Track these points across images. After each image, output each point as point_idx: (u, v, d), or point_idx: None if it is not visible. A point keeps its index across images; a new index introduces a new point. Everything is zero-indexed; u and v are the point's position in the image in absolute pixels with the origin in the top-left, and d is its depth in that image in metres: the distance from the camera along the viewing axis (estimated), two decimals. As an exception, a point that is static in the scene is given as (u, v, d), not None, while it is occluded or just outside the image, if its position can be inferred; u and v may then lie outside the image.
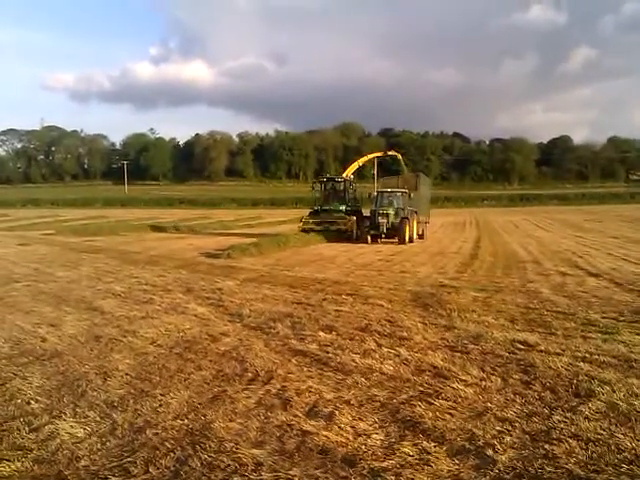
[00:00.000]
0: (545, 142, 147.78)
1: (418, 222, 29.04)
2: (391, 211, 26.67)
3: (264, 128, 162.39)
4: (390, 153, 42.61)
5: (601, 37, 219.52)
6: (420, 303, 10.48)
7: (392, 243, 26.11)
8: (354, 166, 36.27)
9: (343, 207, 30.16)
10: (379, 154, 44.33)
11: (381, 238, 27.11)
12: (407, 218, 26.66)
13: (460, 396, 5.52)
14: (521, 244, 24.48)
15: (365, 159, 39.11)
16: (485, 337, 7.80)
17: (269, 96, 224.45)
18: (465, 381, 5.96)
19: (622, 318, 8.94)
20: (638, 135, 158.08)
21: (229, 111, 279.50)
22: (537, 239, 27.74)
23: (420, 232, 29.68)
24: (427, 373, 6.31)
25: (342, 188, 31.27)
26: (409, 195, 27.73)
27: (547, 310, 9.64)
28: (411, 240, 26.77)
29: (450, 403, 5.35)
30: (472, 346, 7.37)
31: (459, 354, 7.04)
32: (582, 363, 6.48)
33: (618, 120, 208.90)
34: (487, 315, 9.28)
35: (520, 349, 7.17)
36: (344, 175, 33.87)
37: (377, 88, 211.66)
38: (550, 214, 59.04)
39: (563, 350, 7.06)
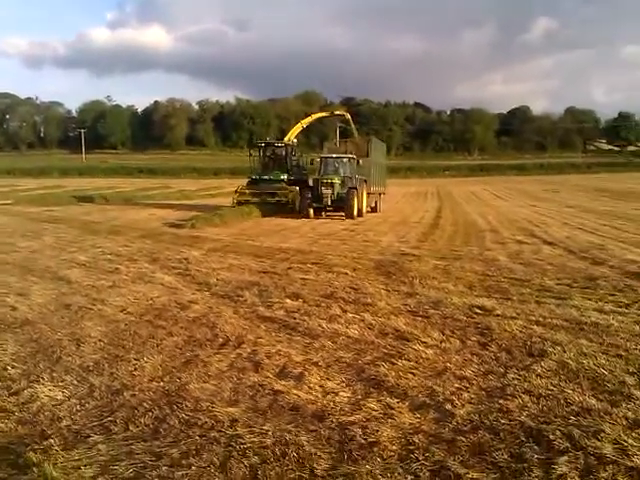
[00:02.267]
0: (505, 112, 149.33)
1: (370, 193, 26.88)
2: (337, 180, 23.88)
3: (225, 96, 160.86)
4: (337, 113, 40.14)
5: (561, 8, 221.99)
6: (383, 271, 10.81)
7: (338, 217, 24.09)
8: (297, 128, 33.38)
9: (284, 176, 27.34)
10: (325, 114, 40.64)
11: (326, 211, 24.72)
12: (355, 188, 24.01)
13: (421, 357, 5.85)
14: (480, 214, 25.09)
15: (309, 119, 35.57)
16: (445, 303, 8.15)
17: (229, 62, 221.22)
18: (426, 343, 6.29)
19: (575, 284, 9.39)
20: (595, 106, 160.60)
21: (188, 77, 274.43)
22: (496, 209, 28.47)
23: (373, 204, 27.92)
24: (390, 336, 6.63)
25: (283, 154, 28.38)
26: (357, 162, 24.97)
27: (504, 277, 10.06)
28: (360, 214, 24.34)
29: (412, 363, 5.67)
30: (432, 311, 7.72)
31: (420, 318, 7.38)
32: (536, 326, 6.88)
33: (577, 91, 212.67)
34: (447, 282, 9.64)
35: (478, 314, 7.55)
36: (285, 139, 31.01)
37: (338, 56, 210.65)
38: (509, 184, 60.29)
39: (518, 314, 7.45)
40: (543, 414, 4.46)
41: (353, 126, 38.00)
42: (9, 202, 35.20)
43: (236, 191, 27.48)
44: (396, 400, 4.79)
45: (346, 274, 10.52)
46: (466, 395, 4.87)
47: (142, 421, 4.52)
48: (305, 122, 34.46)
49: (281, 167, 27.79)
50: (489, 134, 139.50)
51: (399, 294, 8.85)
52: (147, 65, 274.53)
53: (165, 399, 4.93)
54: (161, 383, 5.29)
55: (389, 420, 4.43)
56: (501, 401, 4.72)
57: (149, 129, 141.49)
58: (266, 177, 27.48)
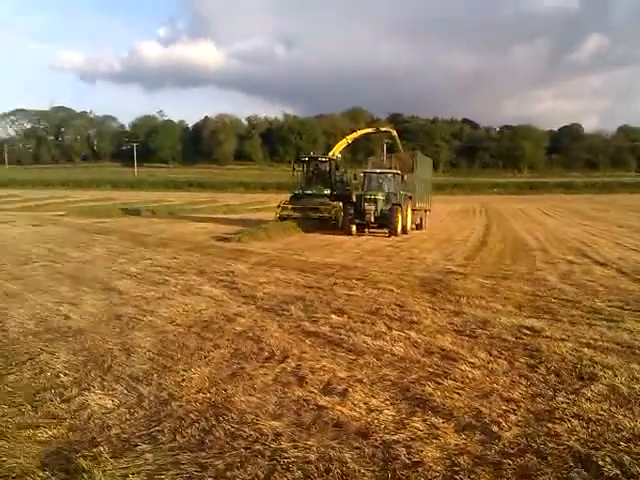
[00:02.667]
0: (555, 130, 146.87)
1: (415, 210, 25.99)
2: (380, 196, 23.01)
3: (274, 112, 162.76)
4: (383, 129, 37.98)
5: (613, 25, 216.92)
6: (429, 289, 10.72)
7: (382, 235, 23.07)
8: (342, 143, 32.20)
9: (328, 191, 26.50)
10: (370, 130, 38.03)
11: (369, 228, 23.83)
12: (399, 205, 23.16)
13: (468, 377, 5.78)
14: (529, 232, 24.66)
15: (355, 135, 34.22)
16: (492, 322, 8.04)
17: (279, 79, 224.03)
18: (473, 363, 6.22)
19: (627, 307, 9.15)
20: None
21: (239, 94, 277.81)
22: (545, 227, 27.93)
23: (418, 221, 27.03)
24: (436, 355, 6.58)
25: (327, 169, 27.60)
26: (402, 177, 24.15)
27: (554, 298, 9.86)
28: (404, 231, 23.65)
29: (458, 383, 5.61)
30: (480, 331, 7.63)
31: (467, 338, 7.30)
32: (586, 349, 6.73)
33: (629, 109, 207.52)
34: (495, 301, 9.51)
35: (526, 334, 7.42)
36: (330, 154, 29.96)
37: (387, 73, 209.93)
38: (558, 202, 59.11)
39: (568, 336, 7.30)
40: (592, 439, 4.37)
41: (399, 142, 36.97)
42: (62, 213, 36.30)
43: (278, 206, 26.88)
44: (441, 420, 4.75)
45: (391, 291, 10.48)
46: (513, 417, 4.79)
47: (189, 432, 4.59)
48: (350, 138, 33.49)
49: (325, 182, 27.14)
50: (538, 151, 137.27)
51: (445, 312, 8.77)
52: (198, 81, 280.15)
53: (211, 410, 5.00)
54: (208, 394, 5.37)
55: (434, 440, 4.39)
56: (549, 424, 4.64)
57: (199, 144, 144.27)
58: (309, 192, 26.80)
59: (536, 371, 5.98)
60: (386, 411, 4.98)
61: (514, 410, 4.95)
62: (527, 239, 21.53)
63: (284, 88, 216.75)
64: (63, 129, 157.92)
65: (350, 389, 5.48)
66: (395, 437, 4.47)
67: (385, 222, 22.98)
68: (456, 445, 4.32)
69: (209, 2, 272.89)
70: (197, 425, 4.71)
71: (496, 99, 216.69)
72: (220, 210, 43.75)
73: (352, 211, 23.54)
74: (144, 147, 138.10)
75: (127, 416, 4.93)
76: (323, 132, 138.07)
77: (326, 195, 26.32)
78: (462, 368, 6.04)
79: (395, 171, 24.78)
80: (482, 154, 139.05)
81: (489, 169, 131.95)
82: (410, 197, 25.05)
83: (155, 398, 5.31)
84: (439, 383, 5.61)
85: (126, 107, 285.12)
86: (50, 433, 4.59)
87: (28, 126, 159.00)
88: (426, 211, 29.21)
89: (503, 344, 7.00)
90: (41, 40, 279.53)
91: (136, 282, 11.49)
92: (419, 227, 27.15)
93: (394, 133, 36.34)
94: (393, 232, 22.66)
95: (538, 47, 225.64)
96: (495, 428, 4.59)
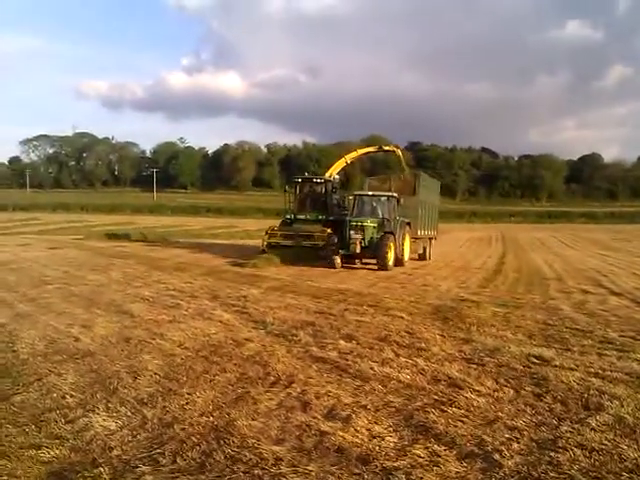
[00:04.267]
0: (575, 159, 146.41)
1: (416, 238, 23.33)
2: (369, 222, 20.00)
3: (292, 139, 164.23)
4: (387, 148, 32.97)
5: (637, 55, 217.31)
6: (440, 316, 10.67)
7: (371, 268, 20.31)
8: (340, 164, 29.21)
9: (323, 216, 23.60)
10: (372, 149, 33.74)
11: (361, 260, 21.22)
12: (392, 233, 20.19)
13: (473, 405, 5.74)
14: (546, 261, 24.49)
15: (354, 155, 30.81)
16: (502, 351, 7.97)
17: (299, 108, 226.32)
18: (479, 391, 6.18)
19: (639, 337, 9.04)
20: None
21: (259, 122, 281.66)
22: (562, 256, 27.71)
23: (420, 251, 24.80)
24: (442, 383, 6.53)
25: (322, 191, 24.54)
26: (397, 201, 21.28)
27: (566, 327, 9.76)
28: (400, 263, 20.73)
29: (463, 411, 5.57)
30: (488, 359, 7.57)
31: (475, 366, 7.24)
32: (594, 378, 6.64)
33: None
34: (506, 330, 9.44)
35: (535, 363, 7.35)
36: (327, 175, 27.17)
37: (406, 101, 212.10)
38: (578, 232, 58.61)
39: (577, 366, 7.22)
40: (595, 469, 4.31)
41: (404, 163, 32.16)
42: (81, 237, 36.75)
43: (266, 232, 23.96)
44: (443, 448, 4.71)
45: (402, 318, 10.44)
46: (516, 446, 4.74)
47: (189, 454, 4.60)
48: (349, 157, 30.05)
49: (320, 206, 24.19)
50: (558, 181, 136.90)
51: (455, 340, 8.71)
52: (221, 110, 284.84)
53: (213, 434, 5.01)
54: (211, 418, 5.38)
55: (434, 468, 4.36)
56: (552, 453, 4.58)
57: (218, 170, 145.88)
58: (302, 217, 24.08)
59: (542, 400, 5.91)
60: (388, 438, 4.95)
61: (517, 438, 4.90)
62: (543, 268, 21.38)
63: (305, 116, 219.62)
64: (85, 154, 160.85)
65: (354, 415, 5.46)
66: (396, 464, 4.44)
67: (374, 253, 19.99)
68: (457, 473, 4.28)
69: (233, 33, 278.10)
70: (198, 448, 4.72)
71: (516, 128, 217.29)
72: (238, 235, 44.02)
73: (336, 240, 20.41)
74: (164, 173, 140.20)
75: (130, 438, 4.95)
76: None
77: (321, 221, 23.46)
78: (467, 396, 5.99)
79: (390, 194, 21.81)
80: (501, 183, 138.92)
81: (508, 198, 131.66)
82: (408, 224, 22.02)
83: (158, 421, 5.32)
84: (443, 410, 5.57)
85: (148, 134, 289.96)
86: (52, 453, 4.62)
87: (50, 151, 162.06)
88: (431, 239, 26.70)
89: (511, 372, 6.93)
90: (66, 68, 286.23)
91: (149, 305, 11.57)
92: (422, 257, 25.08)
93: (399, 152, 31.84)
94: (382, 265, 19.67)
95: (560, 77, 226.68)
96: (497, 456, 4.54)
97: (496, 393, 6.14)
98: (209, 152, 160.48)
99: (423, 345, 8.31)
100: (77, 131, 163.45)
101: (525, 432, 5.04)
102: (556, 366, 7.20)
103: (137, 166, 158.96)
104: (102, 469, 4.34)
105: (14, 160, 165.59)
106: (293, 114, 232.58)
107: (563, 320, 10.39)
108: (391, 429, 5.14)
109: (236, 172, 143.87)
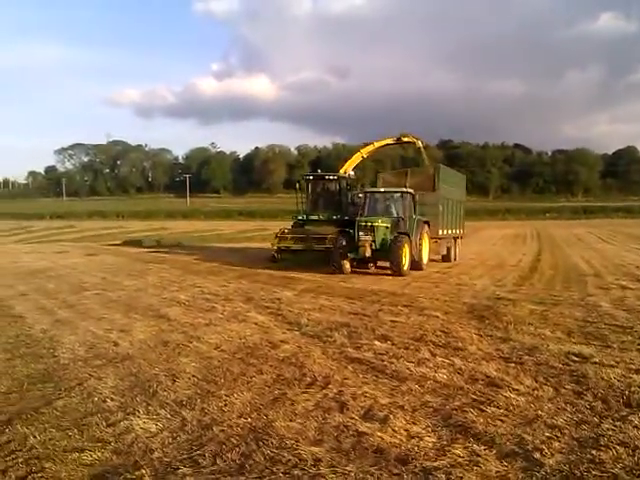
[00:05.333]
0: (610, 153, 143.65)
1: (438, 238, 21.18)
2: (380, 222, 17.72)
3: (322, 141, 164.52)
4: (406, 139, 28.60)
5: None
6: (476, 315, 10.58)
7: (385, 273, 18.16)
8: (355, 158, 27.03)
9: (337, 216, 21.51)
10: (390, 141, 28.94)
11: (374, 264, 19.06)
12: (406, 234, 18.00)
13: (512, 404, 5.68)
14: (583, 257, 24.03)
15: (370, 148, 28.02)
16: (540, 349, 7.87)
17: (328, 109, 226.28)
18: (517, 390, 6.11)
19: (681, 332, 8.83)
20: None
21: (289, 125, 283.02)
22: (600, 252, 27.15)
23: (444, 251, 22.59)
24: (480, 382, 6.48)
25: (336, 189, 22.50)
26: (413, 197, 19.09)
27: (605, 324, 9.60)
28: (418, 267, 18.63)
29: (502, 410, 5.52)
30: (526, 357, 7.48)
31: (513, 365, 7.16)
32: (635, 375, 6.53)
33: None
34: (544, 328, 9.31)
35: (574, 361, 7.24)
36: (342, 171, 25.16)
37: (436, 99, 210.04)
38: (615, 227, 57.38)
39: (617, 362, 7.10)
40: (638, 467, 4.23)
41: (425, 156, 28.85)
42: (117, 243, 37.34)
43: (276, 235, 21.83)
44: (483, 447, 4.67)
45: (437, 317, 10.38)
46: (557, 444, 4.68)
47: (229, 456, 4.65)
48: (365, 151, 27.64)
49: (333, 205, 22.24)
50: (593, 175, 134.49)
51: (492, 339, 8.63)
52: (251, 113, 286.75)
53: (252, 435, 5.05)
54: (249, 419, 5.43)
55: (474, 467, 4.32)
56: (593, 452, 4.52)
57: (250, 174, 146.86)
58: (314, 217, 22.24)
59: (582, 398, 5.83)
60: (427, 438, 4.93)
61: (558, 437, 4.84)
62: (580, 264, 20.99)
63: (335, 118, 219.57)
64: (119, 162, 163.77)
65: (391, 415, 5.45)
66: (435, 464, 4.42)
67: (386, 257, 17.84)
68: (497, 472, 4.24)
69: (261, 36, 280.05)
70: (238, 449, 4.77)
71: (548, 124, 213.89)
72: (270, 238, 44.16)
73: (344, 242, 18.19)
74: (197, 178, 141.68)
75: (170, 440, 5.02)
76: (371, 160, 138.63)
77: (335, 221, 21.24)
78: (506, 395, 5.93)
79: (404, 189, 19.58)
80: (535, 179, 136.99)
81: (542, 194, 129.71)
82: (427, 222, 19.84)
83: (198, 422, 5.39)
84: (482, 410, 5.52)
85: (180, 140, 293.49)
86: (95, 456, 4.71)
87: (85, 159, 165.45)
88: (456, 239, 24.44)
89: (550, 371, 6.84)
90: (99, 77, 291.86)
91: (185, 309, 11.71)
92: (446, 259, 22.90)
93: (420, 143, 28.48)
94: (395, 269, 17.56)
95: (592, 70, 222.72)
96: (538, 455, 4.49)
97: (535, 392, 6.07)
98: (240, 156, 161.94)
99: (459, 344, 8.25)
100: (111, 139, 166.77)
101: (566, 430, 4.98)
102: (596, 363, 7.09)
103: (170, 172, 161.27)
104: (144, 471, 4.41)
105: (50, 169, 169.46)
106: (323, 115, 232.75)
107: (602, 317, 10.22)
108: (429, 429, 5.12)
109: (267, 175, 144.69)
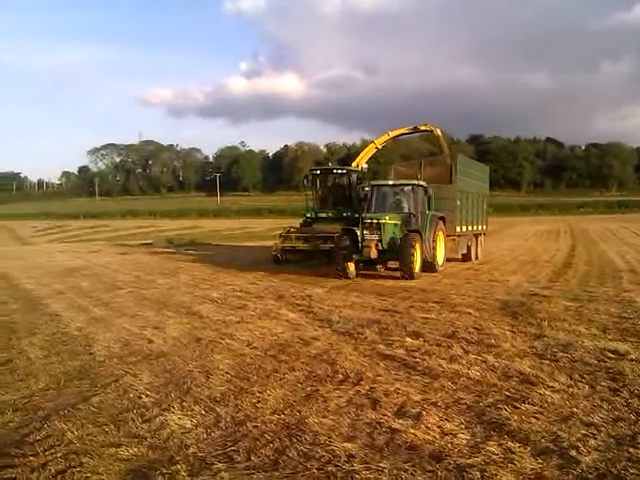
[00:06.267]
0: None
1: (456, 235, 19.24)
2: (388, 219, 16.01)
3: (351, 138, 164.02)
4: (423, 128, 26.21)
5: None
6: (509, 312, 10.47)
7: (394, 276, 16.44)
8: (369, 150, 25.17)
9: (347, 213, 19.90)
10: (405, 130, 26.59)
11: (384, 265, 17.82)
12: (417, 232, 16.15)
13: (546, 401, 5.61)
14: (618, 252, 23.59)
15: (385, 138, 25.87)
16: (575, 346, 7.76)
17: (357, 106, 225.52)
18: (552, 387, 6.03)
19: None
20: None
21: (318, 122, 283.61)
22: (635, 247, 26.63)
23: (464, 250, 20.78)
24: (514, 379, 6.41)
25: (347, 184, 20.85)
26: (426, 191, 17.31)
27: (641, 320, 9.42)
28: (431, 268, 16.79)
29: (536, 408, 5.45)
30: (561, 354, 7.38)
31: (547, 362, 7.07)
32: (674, 372, 6.40)
33: None
34: (578, 324, 9.17)
35: (610, 358, 7.12)
36: (354, 164, 23.54)
37: (465, 94, 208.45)
38: (651, 221, 56.19)
39: (655, 359, 6.97)
40: (678, 466, 4.14)
41: (444, 144, 26.55)
42: (150, 242, 37.82)
43: (280, 235, 20.73)
44: (518, 444, 4.63)
45: (469, 314, 10.30)
46: (593, 442, 4.61)
47: (263, 452, 4.68)
48: (379, 142, 25.58)
49: (343, 201, 20.61)
50: (627, 169, 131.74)
51: (526, 336, 8.52)
52: (280, 112, 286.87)
53: (285, 431, 5.08)
54: (282, 416, 5.46)
55: (509, 465, 4.29)
56: (631, 449, 4.44)
57: (279, 172, 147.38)
58: (323, 215, 20.78)
59: (619, 395, 5.73)
60: (460, 435, 4.90)
61: (594, 434, 4.76)
62: (615, 260, 20.61)
63: (363, 114, 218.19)
64: (150, 161, 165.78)
65: (424, 412, 5.43)
66: (469, 461, 4.39)
67: (395, 258, 16.20)
68: (532, 470, 4.20)
69: (289, 34, 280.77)
70: (271, 445, 4.80)
71: (581, 117, 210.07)
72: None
73: (348, 242, 16.28)
74: (227, 177, 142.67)
75: (204, 436, 5.08)
76: (401, 155, 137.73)
77: (345, 218, 19.51)
78: (541, 392, 5.86)
79: (415, 182, 17.57)
80: (568, 173, 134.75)
81: (575, 189, 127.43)
82: (442, 218, 17.90)
83: (231, 419, 5.44)
84: (516, 407, 5.46)
85: (210, 139, 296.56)
86: (131, 451, 4.79)
87: (117, 159, 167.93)
88: (477, 236, 22.51)
89: (585, 368, 6.74)
90: (130, 78, 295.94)
91: (217, 307, 11.82)
92: (466, 258, 21.17)
93: (437, 132, 26.07)
94: (406, 272, 15.70)
95: (626, 62, 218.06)
96: (574, 453, 4.43)
97: (570, 389, 5.99)
98: (269, 154, 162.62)
99: (492, 341, 8.17)
100: (142, 139, 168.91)
101: (602, 428, 4.90)
102: (632, 360, 6.96)
103: (200, 171, 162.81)
104: (179, 466, 4.47)
105: (83, 169, 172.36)
106: (351, 112, 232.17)
107: (638, 313, 10.02)
108: (463, 426, 5.09)
109: (296, 173, 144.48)
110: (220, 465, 4.49)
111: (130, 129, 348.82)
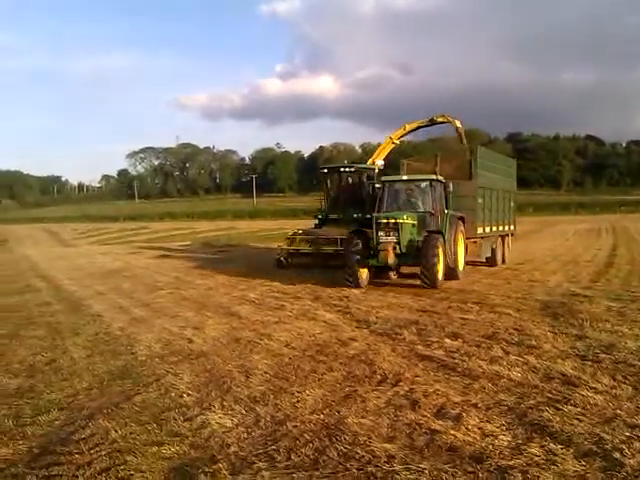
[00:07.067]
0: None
1: (479, 237, 17.22)
2: (406, 219, 14.11)
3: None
4: (440, 120, 24.21)
5: None
6: (550, 312, 10.31)
7: (413, 284, 14.57)
8: (385, 146, 23.89)
9: (359, 214, 18.18)
10: (422, 123, 24.66)
11: (396, 271, 15.69)
12: (440, 233, 14.28)
13: (589, 403, 5.53)
14: (662, 252, 23.02)
15: (402, 132, 24.55)
16: (618, 347, 7.62)
17: (393, 106, 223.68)
18: (595, 389, 5.94)
19: None
20: None
21: (353, 123, 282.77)
22: (680, 246, 25.93)
23: (488, 253, 18.61)
24: (556, 380, 6.33)
25: (358, 183, 19.75)
26: (444, 187, 15.42)
27: (687, 320, 9.19)
28: (452, 275, 14.85)
29: (579, 409, 5.38)
30: (604, 355, 7.25)
31: (590, 363, 6.96)
32: None
33: None
34: (621, 325, 9.00)
35: (655, 359, 6.98)
36: (370, 161, 22.66)
37: (502, 92, 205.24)
38: (697, 220, 54.63)
39: (702, 361, 6.79)
40: None
41: (464, 136, 24.48)
42: (188, 243, 38.30)
43: (287, 237, 20.08)
44: (560, 446, 4.58)
45: (509, 315, 10.18)
46: (637, 444, 4.54)
47: (303, 451, 4.72)
48: (395, 136, 24.23)
49: (354, 202, 19.13)
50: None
51: (567, 337, 8.39)
52: (315, 112, 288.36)
53: (325, 431, 5.12)
54: (321, 416, 5.50)
55: (552, 467, 4.25)
56: (678, 452, 4.33)
57: (314, 173, 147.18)
58: (334, 217, 19.65)
59: (665, 397, 5.60)
60: (502, 436, 4.86)
61: (639, 437, 4.68)
62: (660, 259, 20.11)
63: (398, 114, 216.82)
64: (188, 164, 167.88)
65: (464, 414, 5.40)
66: (511, 462, 4.36)
67: (415, 262, 14.16)
68: (575, 472, 4.16)
69: (325, 35, 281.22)
70: (311, 445, 4.84)
71: (623, 113, 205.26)
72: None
73: (360, 246, 14.47)
74: (262, 178, 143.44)
75: (245, 435, 5.14)
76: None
77: (357, 220, 17.71)
78: (583, 393, 5.78)
79: (433, 177, 15.46)
80: (609, 171, 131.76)
81: (617, 187, 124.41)
82: (461, 218, 15.93)
83: (271, 418, 5.50)
84: (558, 409, 5.40)
85: (246, 141, 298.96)
86: (173, 450, 4.88)
87: (156, 162, 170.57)
88: (503, 237, 20.31)
89: (628, 369, 6.62)
90: (168, 82, 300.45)
91: (255, 307, 11.93)
92: (491, 262, 19.03)
93: (457, 124, 23.89)
94: (428, 278, 13.73)
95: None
96: (617, 455, 4.36)
97: (614, 390, 5.89)
98: (305, 155, 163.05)
99: (533, 342, 8.07)
100: (180, 142, 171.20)
101: (647, 430, 4.81)
102: (678, 361, 6.80)
103: (237, 173, 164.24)
104: (221, 465, 4.54)
105: (123, 173, 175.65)
106: (387, 112, 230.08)
107: (684, 313, 9.78)
108: (504, 428, 5.05)
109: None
110: (261, 464, 4.54)
111: (168, 133, 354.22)
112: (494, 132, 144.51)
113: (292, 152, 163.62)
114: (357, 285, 14.28)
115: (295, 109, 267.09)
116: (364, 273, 14.61)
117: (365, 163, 23.59)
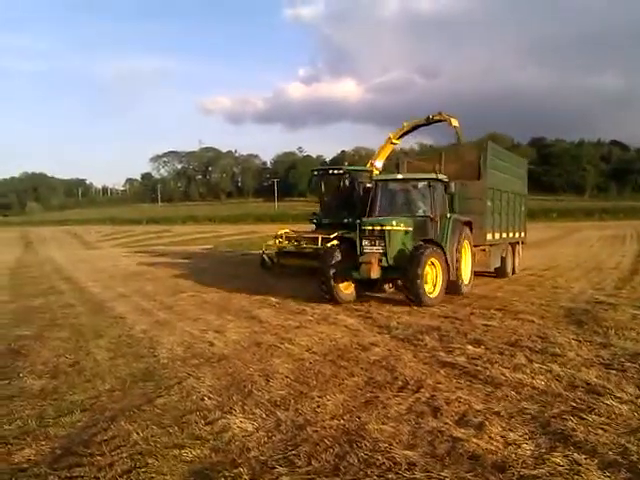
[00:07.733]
0: None
1: (487, 245, 15.43)
2: (397, 225, 12.29)
3: (409, 142, 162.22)
4: (437, 118, 22.08)
5: None
6: (574, 320, 10.18)
7: (403, 302, 12.47)
8: (385, 147, 22.39)
9: (349, 219, 16.66)
10: (420, 122, 22.68)
11: (393, 283, 13.74)
12: (436, 243, 12.52)
13: (614, 412, 5.45)
14: (689, 259, 22.62)
15: (400, 132, 22.79)
16: (644, 355, 7.50)
17: (415, 110, 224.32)
18: (620, 398, 5.85)
19: None
20: None
21: (375, 127, 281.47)
22: None
23: (497, 263, 16.58)
24: (580, 389, 6.25)
25: (350, 185, 18.63)
26: (446, 187, 13.64)
27: None
28: (455, 289, 13.22)
29: (603, 419, 5.30)
30: (629, 364, 7.14)
31: (615, 371, 6.87)
32: None
33: None
34: (647, 333, 8.86)
35: (682, 368, 6.85)
36: (368, 164, 21.71)
37: (526, 97, 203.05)
38: None
39: None
40: None
41: (461, 135, 22.22)
42: (210, 247, 38.51)
43: (275, 236, 19.36)
44: (584, 456, 4.51)
45: (533, 322, 10.07)
46: (665, 457, 4.45)
47: (323, 457, 4.71)
48: (395, 135, 22.73)
49: (346, 205, 18.16)
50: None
51: (591, 345, 8.28)
52: (337, 116, 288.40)
53: (345, 437, 5.10)
54: (342, 421, 5.48)
55: (575, 477, 4.20)
56: None
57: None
58: (326, 221, 18.83)
59: (693, 408, 5.50)
60: (525, 445, 4.81)
61: (666, 449, 4.59)
62: (687, 266, 19.75)
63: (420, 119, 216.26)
64: (210, 168, 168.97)
65: (487, 422, 5.35)
66: (534, 472, 4.31)
67: (401, 277, 12.33)
68: (600, 483, 4.09)
69: (348, 39, 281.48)
70: (332, 451, 4.83)
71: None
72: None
73: (339, 258, 12.73)
74: (284, 182, 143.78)
75: (266, 439, 5.15)
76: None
77: (347, 225, 16.29)
78: (608, 403, 5.70)
79: (431, 176, 13.58)
80: (634, 177, 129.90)
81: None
82: (468, 224, 14.19)
83: (292, 423, 5.50)
84: (582, 418, 5.33)
85: (268, 145, 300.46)
86: (194, 453, 4.90)
87: (179, 166, 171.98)
88: (514, 245, 18.42)
89: (655, 378, 6.50)
90: (192, 85, 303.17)
91: (275, 311, 11.95)
92: (501, 273, 17.13)
93: (454, 122, 21.91)
94: (414, 297, 11.97)
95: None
96: (644, 467, 4.28)
97: (639, 400, 5.79)
98: (327, 160, 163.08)
99: (557, 350, 7.97)
100: (203, 146, 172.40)
101: (675, 442, 4.72)
102: None
103: (258, 177, 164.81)
104: (241, 469, 4.54)
105: (146, 176, 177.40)
106: (409, 117, 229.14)
107: None
108: (527, 436, 4.99)
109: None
110: (281, 469, 4.54)
111: (191, 136, 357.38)
112: (517, 136, 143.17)
113: (314, 156, 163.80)
114: (335, 301, 12.61)
115: (317, 113, 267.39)
116: (345, 288, 12.90)
117: (345, 163, 23.20)
